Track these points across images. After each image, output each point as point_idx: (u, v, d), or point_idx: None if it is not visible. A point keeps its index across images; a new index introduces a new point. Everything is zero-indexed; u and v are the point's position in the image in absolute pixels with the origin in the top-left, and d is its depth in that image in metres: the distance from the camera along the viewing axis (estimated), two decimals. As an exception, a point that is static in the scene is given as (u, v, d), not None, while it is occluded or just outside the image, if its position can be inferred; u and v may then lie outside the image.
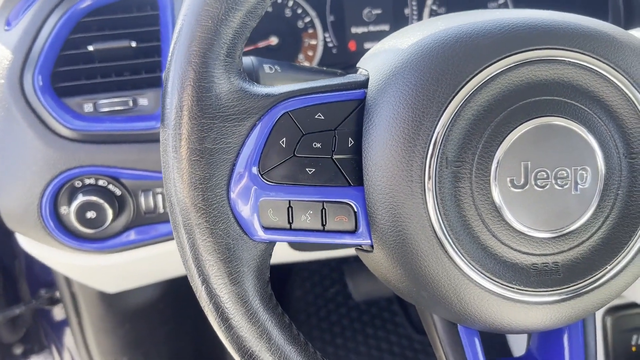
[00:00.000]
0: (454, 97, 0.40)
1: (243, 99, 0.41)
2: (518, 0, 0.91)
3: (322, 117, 0.42)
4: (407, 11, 0.91)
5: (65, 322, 1.10)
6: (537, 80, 0.41)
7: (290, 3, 0.88)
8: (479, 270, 0.42)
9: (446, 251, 0.41)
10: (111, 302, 1.05)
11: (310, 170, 0.42)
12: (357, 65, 0.48)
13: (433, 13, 0.91)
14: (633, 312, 0.91)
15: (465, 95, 0.40)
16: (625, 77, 0.42)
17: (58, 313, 1.16)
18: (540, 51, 0.41)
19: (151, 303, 1.12)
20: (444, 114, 0.40)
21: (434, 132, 0.40)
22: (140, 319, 1.12)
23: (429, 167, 0.40)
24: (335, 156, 0.43)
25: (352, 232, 0.43)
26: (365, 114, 0.43)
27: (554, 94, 0.41)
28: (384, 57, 0.44)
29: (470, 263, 0.41)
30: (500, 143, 0.41)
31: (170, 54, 0.40)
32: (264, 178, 0.42)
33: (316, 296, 1.51)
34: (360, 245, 0.45)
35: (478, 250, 0.42)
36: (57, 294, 1.10)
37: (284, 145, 0.42)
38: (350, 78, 0.45)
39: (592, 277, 0.43)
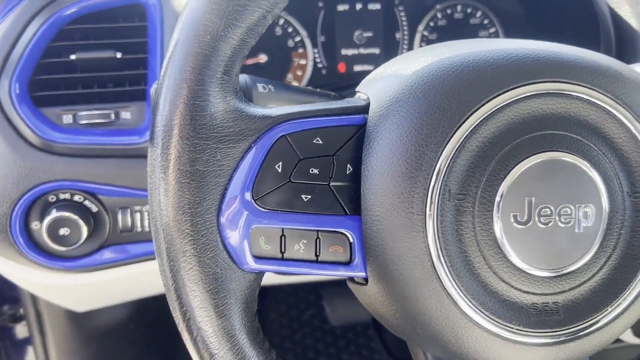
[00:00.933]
0: (459, 127, 0.39)
1: (239, 119, 0.39)
2: (508, 29, 0.91)
3: (321, 142, 0.40)
4: (398, 35, 0.90)
5: (28, 341, 1.05)
6: (544, 113, 0.40)
7: (281, 21, 0.86)
8: (478, 309, 0.40)
9: (445, 288, 0.39)
10: (78, 321, 1.00)
11: (306, 197, 0.40)
12: (357, 89, 0.46)
13: (424, 38, 0.90)
14: (615, 346, 0.91)
15: (470, 126, 0.39)
16: (631, 115, 0.41)
17: (21, 331, 1.10)
18: (548, 84, 0.40)
19: (120, 323, 1.08)
20: (448, 144, 0.39)
21: (437, 163, 0.39)
22: (108, 339, 1.07)
23: (431, 199, 0.39)
24: (332, 183, 0.41)
25: (347, 264, 0.41)
26: (365, 140, 0.41)
27: (561, 128, 0.40)
28: (386, 83, 0.42)
29: (469, 301, 0.40)
30: (505, 177, 0.39)
31: (163, 69, 0.38)
32: (257, 204, 0.39)
33: (291, 319, 1.47)
34: (354, 278, 0.43)
35: (478, 287, 0.40)
36: (21, 310, 1.05)
37: (279, 170, 0.40)
38: (350, 102, 0.43)
39: (592, 319, 0.41)
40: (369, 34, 0.89)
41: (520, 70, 0.40)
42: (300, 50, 0.87)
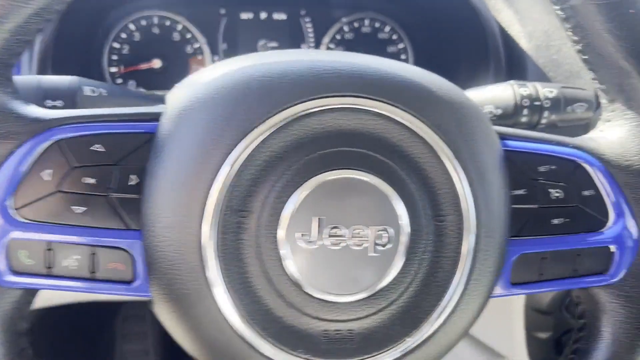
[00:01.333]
0: (242, 139, 0.36)
1: (2, 121, 0.36)
2: (416, 44, 0.89)
3: (102, 149, 0.38)
4: (303, 47, 0.88)
5: None
6: (339, 129, 0.38)
7: (179, 27, 0.84)
8: (260, 335, 0.37)
9: (222, 311, 0.36)
10: None
11: (78, 209, 0.37)
12: (166, 96, 0.44)
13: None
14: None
15: (253, 140, 0.36)
16: (438, 135, 0.39)
17: None
18: (344, 98, 0.38)
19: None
20: (228, 158, 0.36)
21: (218, 177, 0.36)
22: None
23: (212, 215, 0.36)
24: (112, 195, 0.38)
25: (129, 282, 0.38)
26: (151, 149, 0.38)
27: (357, 145, 0.38)
28: (184, 91, 0.40)
29: (251, 326, 0.37)
30: (292, 194, 0.37)
31: None
32: (17, 214, 0.36)
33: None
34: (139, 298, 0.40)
35: (261, 311, 0.37)
36: None
37: (48, 178, 0.37)
38: (144, 109, 0.40)
39: (390, 349, 0.39)
40: (274, 44, 0.87)
41: (316, 83, 0.38)
42: (199, 57, 0.85)
